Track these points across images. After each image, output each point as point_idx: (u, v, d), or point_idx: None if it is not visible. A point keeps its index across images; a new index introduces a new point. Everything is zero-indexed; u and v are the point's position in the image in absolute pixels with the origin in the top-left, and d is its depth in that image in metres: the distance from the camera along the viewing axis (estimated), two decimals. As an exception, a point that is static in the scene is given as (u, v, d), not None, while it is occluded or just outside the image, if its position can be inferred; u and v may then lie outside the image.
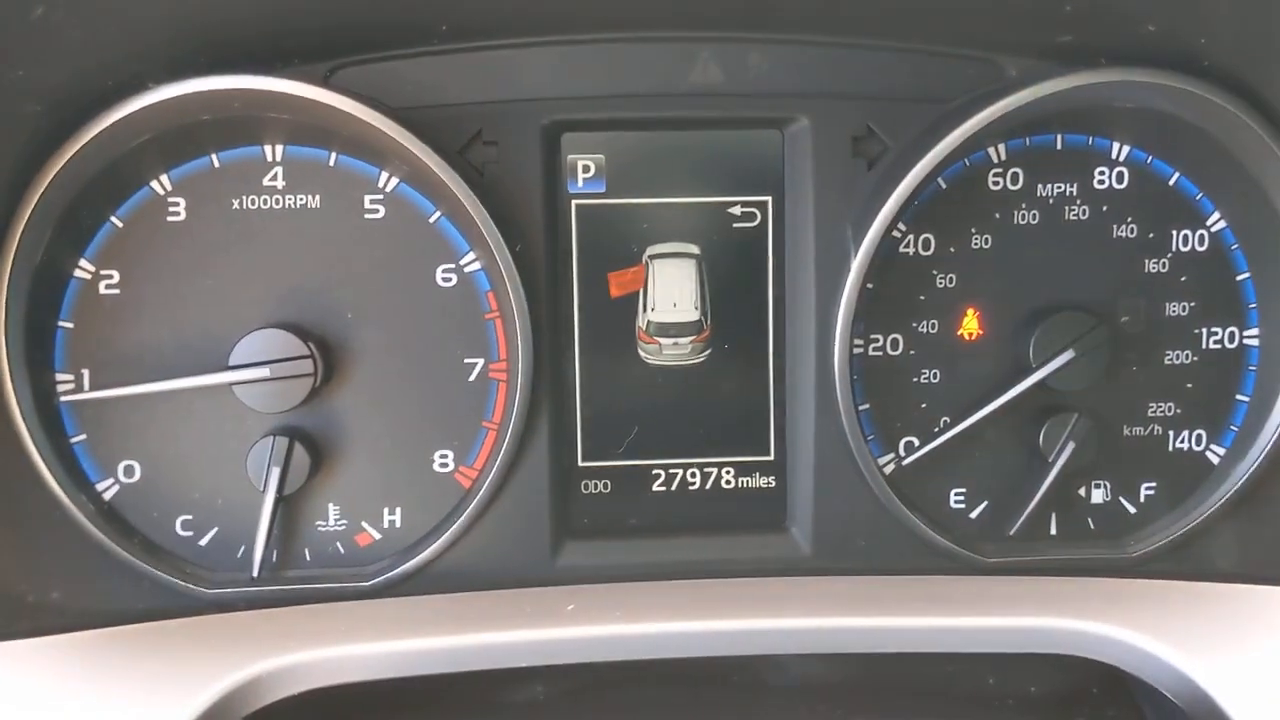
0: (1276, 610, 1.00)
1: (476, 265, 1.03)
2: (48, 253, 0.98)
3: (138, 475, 1.03)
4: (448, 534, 1.03)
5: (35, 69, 0.86)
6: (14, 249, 0.95)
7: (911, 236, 1.05)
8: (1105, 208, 1.06)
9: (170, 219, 1.01)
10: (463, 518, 1.03)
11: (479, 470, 1.04)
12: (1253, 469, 1.05)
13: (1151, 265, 1.07)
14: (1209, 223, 1.06)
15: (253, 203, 1.02)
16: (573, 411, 1.07)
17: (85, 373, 1.01)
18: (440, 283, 1.04)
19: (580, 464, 1.08)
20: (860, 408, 1.05)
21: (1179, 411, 1.08)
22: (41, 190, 0.94)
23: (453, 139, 1.01)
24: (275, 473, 1.01)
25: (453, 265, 1.04)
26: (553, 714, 0.96)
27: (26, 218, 0.94)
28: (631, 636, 0.98)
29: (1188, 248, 1.07)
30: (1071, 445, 1.04)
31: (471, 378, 1.04)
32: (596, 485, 1.09)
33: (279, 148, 1.02)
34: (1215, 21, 0.91)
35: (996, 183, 1.05)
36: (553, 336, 1.05)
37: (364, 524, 1.05)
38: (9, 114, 0.89)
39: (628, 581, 1.05)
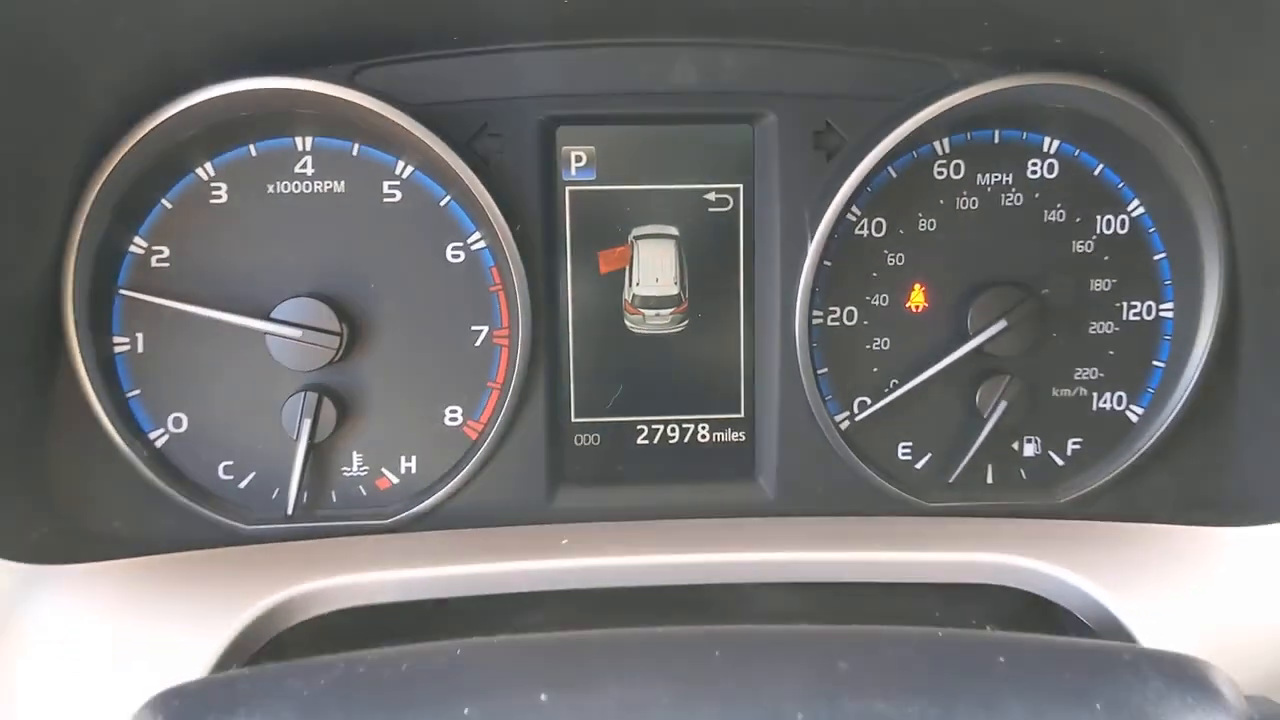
0: (1183, 546, 1.10)
1: (482, 244, 1.14)
2: (108, 231, 1.09)
3: (185, 426, 1.14)
4: (457, 479, 1.15)
5: (110, 72, 0.98)
6: (80, 228, 1.06)
7: (865, 220, 1.17)
8: (1037, 195, 1.18)
9: (213, 201, 1.13)
10: (470, 465, 1.15)
11: (484, 424, 1.16)
12: (1165, 426, 1.17)
13: (1078, 246, 1.19)
14: (1129, 208, 1.18)
15: (285, 187, 1.14)
16: (566, 373, 1.19)
17: (139, 335, 1.12)
18: (450, 259, 1.15)
19: (573, 420, 1.20)
20: (819, 371, 1.17)
21: (1102, 375, 1.20)
22: (105, 176, 1.05)
23: (461, 132, 1.13)
24: (306, 424, 1.12)
25: (461, 244, 1.15)
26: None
27: (92, 200, 1.05)
28: (617, 567, 1.09)
29: (1110, 231, 1.18)
30: (1004, 404, 1.16)
31: (477, 343, 1.16)
32: (587, 438, 1.21)
33: (308, 139, 1.13)
34: (1111, 36, 1.03)
35: (941, 172, 1.17)
36: (549, 307, 1.17)
37: (384, 470, 1.17)
38: (86, 111, 1.00)
39: (614, 521, 1.16)
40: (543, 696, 0.72)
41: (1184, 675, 0.78)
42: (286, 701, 0.75)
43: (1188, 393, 1.16)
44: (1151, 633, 1.02)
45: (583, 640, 0.81)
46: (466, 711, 0.71)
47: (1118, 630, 1.03)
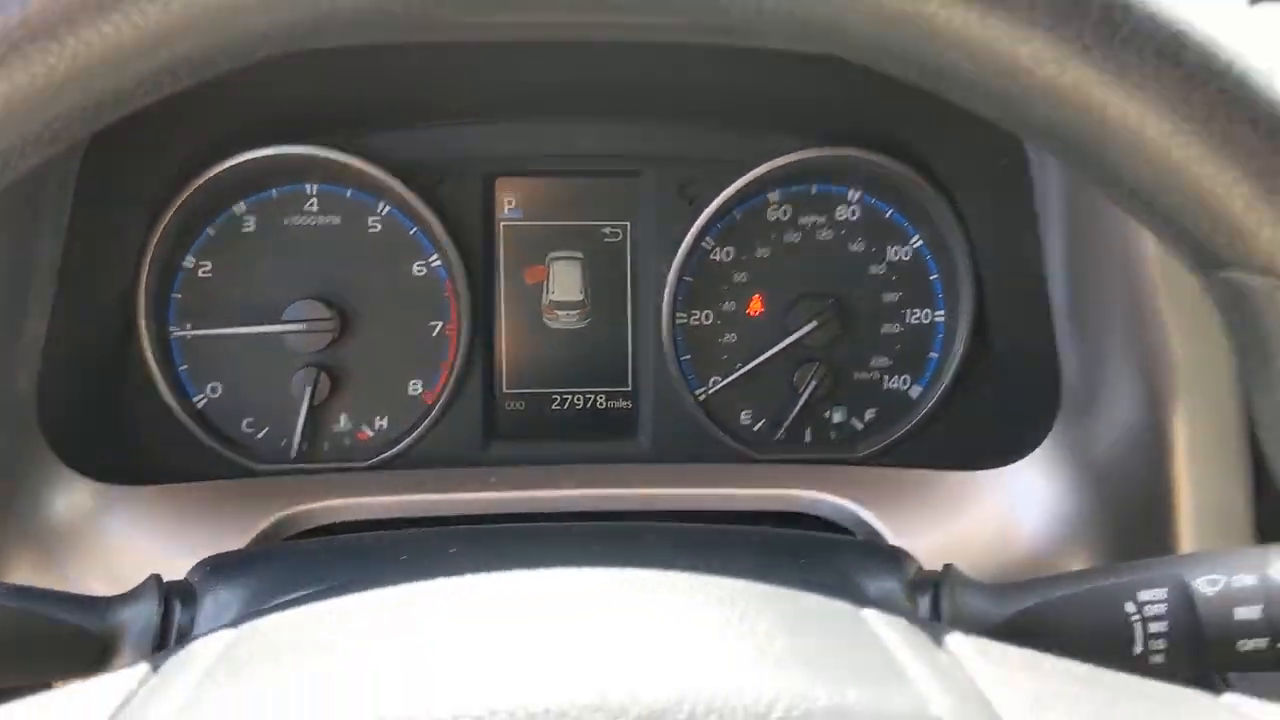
0: (940, 487, 1.47)
1: (439, 262, 1.51)
2: (169, 254, 1.45)
3: (220, 392, 1.49)
4: (416, 433, 1.51)
5: (182, 148, 1.39)
6: (150, 253, 1.42)
7: (718, 248, 1.55)
8: (844, 231, 1.56)
9: (244, 230, 1.48)
10: (426, 423, 1.51)
11: (437, 392, 1.52)
12: (935, 400, 1.56)
13: (874, 269, 1.56)
14: (911, 242, 1.56)
15: (297, 220, 1.49)
16: (500, 357, 1.55)
17: (189, 325, 1.49)
18: (415, 273, 1.52)
19: (505, 391, 1.57)
20: (683, 358, 1.55)
21: (891, 363, 1.58)
22: (168, 216, 1.42)
23: (425, 182, 1.48)
24: (308, 391, 1.47)
25: (424, 262, 1.52)
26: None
27: (159, 233, 1.42)
28: (532, 498, 1.46)
29: (898, 258, 1.57)
30: (814, 383, 1.54)
31: (434, 334, 1.52)
32: (515, 404, 1.57)
33: (315, 185, 1.49)
34: (870, 128, 1.48)
35: (773, 215, 1.55)
36: (487, 309, 1.53)
37: (363, 426, 1.53)
38: (162, 174, 1.40)
39: (533, 465, 1.51)
40: (452, 549, 1.13)
41: (876, 548, 1.18)
42: (301, 556, 1.16)
43: (951, 376, 1.56)
44: (904, 541, 1.44)
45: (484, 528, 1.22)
46: (403, 558, 1.12)
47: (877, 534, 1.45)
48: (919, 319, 1.60)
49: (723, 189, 1.52)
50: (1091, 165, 0.66)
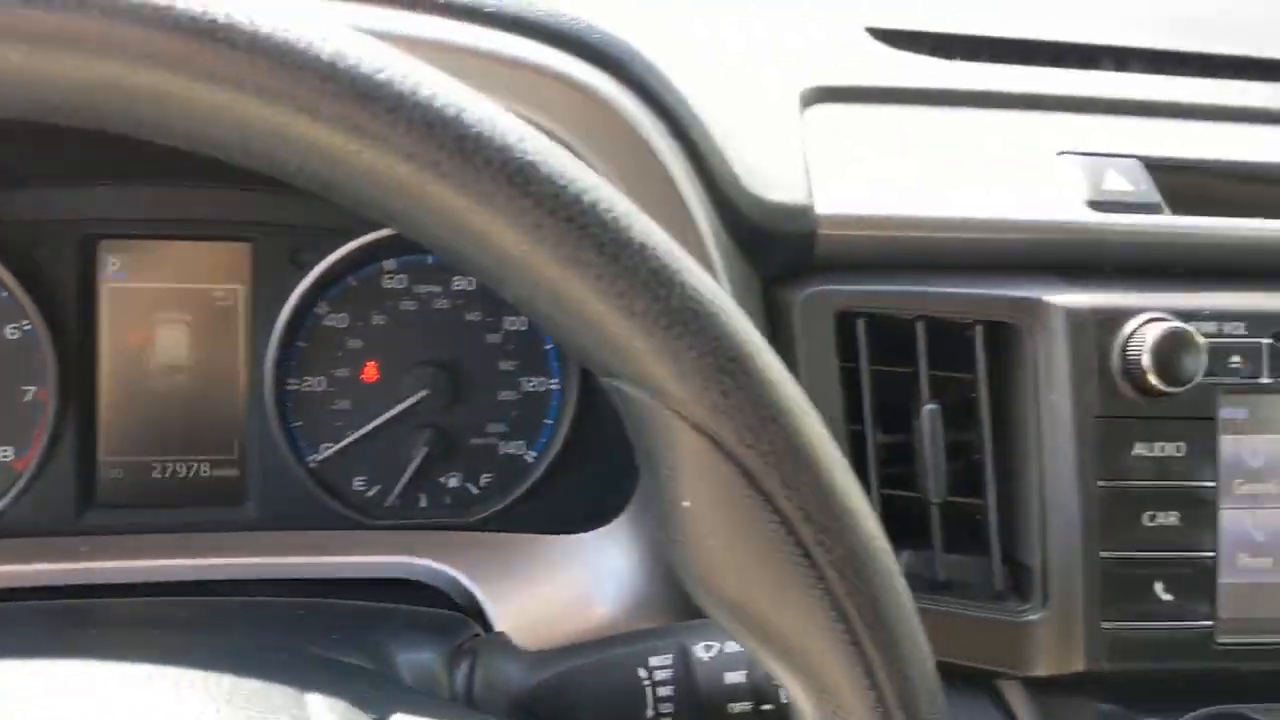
0: (538, 551, 1.52)
1: (30, 326, 1.49)
2: None
3: None
4: (4, 501, 1.48)
5: None
6: None
7: (333, 314, 1.57)
8: (461, 301, 1.60)
9: None
10: (14, 491, 1.48)
11: (28, 460, 1.49)
12: (547, 465, 1.61)
13: (491, 338, 1.61)
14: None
15: None
16: (98, 422, 1.53)
17: None
18: (9, 337, 1.49)
19: (103, 458, 1.54)
20: (293, 424, 1.56)
21: (508, 429, 1.62)
22: None
23: (18, 246, 1.47)
24: None
25: (16, 325, 1.49)
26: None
27: None
28: (128, 567, 1.44)
29: (514, 328, 1.62)
30: (425, 449, 1.57)
31: (26, 399, 1.49)
32: (115, 472, 1.54)
33: None
34: None
35: (388, 283, 1.58)
36: (85, 373, 1.51)
37: None
38: None
39: (134, 534, 1.50)
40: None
41: (426, 617, 1.21)
42: None
43: (562, 442, 1.63)
44: (499, 605, 1.48)
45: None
46: None
47: (478, 608, 1.48)
48: (535, 386, 1.65)
49: (325, 257, 1.55)
50: (483, 276, 0.71)
